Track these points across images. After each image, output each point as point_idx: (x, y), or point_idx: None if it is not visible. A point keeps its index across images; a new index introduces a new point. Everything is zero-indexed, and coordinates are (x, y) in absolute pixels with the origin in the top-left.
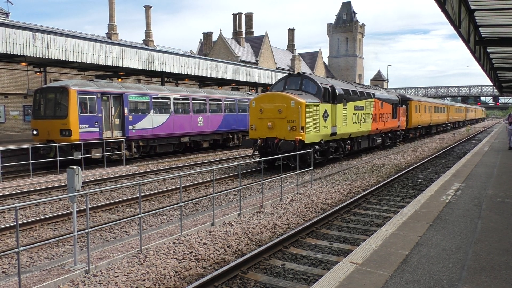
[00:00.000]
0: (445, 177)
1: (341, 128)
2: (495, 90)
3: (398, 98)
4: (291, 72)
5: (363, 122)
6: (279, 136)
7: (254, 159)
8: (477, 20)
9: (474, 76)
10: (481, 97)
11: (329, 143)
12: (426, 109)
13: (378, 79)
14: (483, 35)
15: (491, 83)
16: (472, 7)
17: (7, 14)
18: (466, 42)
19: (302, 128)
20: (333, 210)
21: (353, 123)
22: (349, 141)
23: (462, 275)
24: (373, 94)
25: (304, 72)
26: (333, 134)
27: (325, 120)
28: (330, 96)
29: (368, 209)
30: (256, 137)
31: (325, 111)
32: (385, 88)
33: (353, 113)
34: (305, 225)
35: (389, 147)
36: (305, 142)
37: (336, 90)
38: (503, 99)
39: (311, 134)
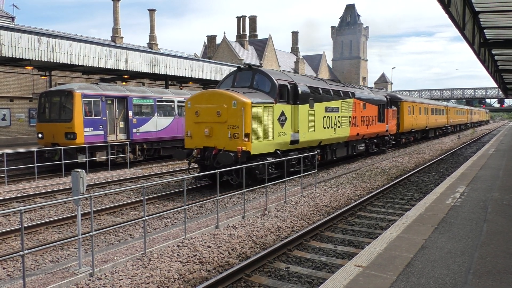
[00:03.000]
0: (450, 180)
1: (306, 134)
2: (500, 92)
3: (386, 99)
4: (241, 66)
5: (339, 127)
6: (218, 146)
7: (190, 174)
8: (481, 22)
9: (479, 78)
10: (486, 99)
11: (288, 153)
12: (421, 111)
13: (382, 82)
14: (487, 37)
15: (496, 85)
16: (477, 9)
17: (12, 18)
18: (471, 44)
19: (247, 136)
20: (337, 213)
21: (324, 128)
22: (319, 150)
23: (467, 279)
24: (352, 93)
25: (258, 66)
26: (295, 142)
27: (282, 125)
28: (289, 95)
29: (372, 212)
30: (192, 147)
31: (282, 114)
32: (371, 88)
33: (325, 116)
34: (309, 228)
35: (375, 154)
36: (252, 153)
37: (299, 88)
38: (508, 101)
39: (260, 143)
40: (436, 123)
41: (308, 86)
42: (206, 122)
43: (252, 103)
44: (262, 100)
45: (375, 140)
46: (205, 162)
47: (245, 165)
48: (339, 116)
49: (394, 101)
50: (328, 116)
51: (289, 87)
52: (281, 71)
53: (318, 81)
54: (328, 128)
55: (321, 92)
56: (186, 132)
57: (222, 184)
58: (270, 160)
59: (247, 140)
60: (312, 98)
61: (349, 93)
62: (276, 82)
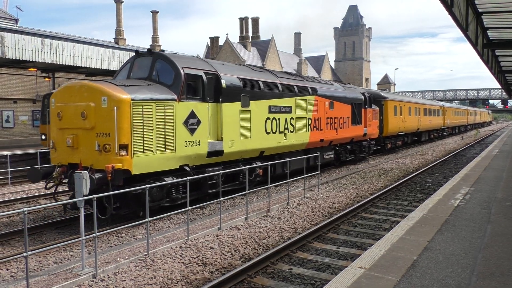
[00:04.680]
0: (454, 181)
1: (237, 142)
2: (504, 93)
3: (363, 97)
4: (139, 51)
5: (292, 131)
6: (84, 162)
7: (56, 200)
8: (484, 23)
9: (483, 79)
10: (490, 100)
11: (205, 169)
12: (411, 111)
13: (385, 83)
14: (491, 38)
15: (499, 86)
16: (480, 10)
17: (16, 21)
18: (474, 45)
19: (124, 147)
20: (340, 214)
21: (268, 133)
22: (260, 162)
23: (471, 281)
24: (313, 89)
25: (162, 50)
26: (215, 153)
27: (191, 131)
28: (205, 90)
29: (375, 213)
30: (56, 163)
31: (192, 115)
32: (344, 84)
33: (268, 118)
34: (312, 229)
35: (351, 163)
36: (134, 172)
37: (223, 80)
38: None
39: (150, 158)
40: (430, 125)
41: (240, 79)
42: (69, 128)
43: (132, 100)
44: (153, 96)
45: (348, 147)
46: (71, 185)
47: (116, 192)
48: (292, 118)
49: (377, 100)
50: (273, 118)
51: (204, 79)
52: (199, 58)
53: (259, 73)
54: (274, 133)
55: (261, 86)
56: (48, 142)
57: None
58: (169, 180)
59: (124, 153)
60: (247, 94)
61: (308, 88)
62: (181, 71)
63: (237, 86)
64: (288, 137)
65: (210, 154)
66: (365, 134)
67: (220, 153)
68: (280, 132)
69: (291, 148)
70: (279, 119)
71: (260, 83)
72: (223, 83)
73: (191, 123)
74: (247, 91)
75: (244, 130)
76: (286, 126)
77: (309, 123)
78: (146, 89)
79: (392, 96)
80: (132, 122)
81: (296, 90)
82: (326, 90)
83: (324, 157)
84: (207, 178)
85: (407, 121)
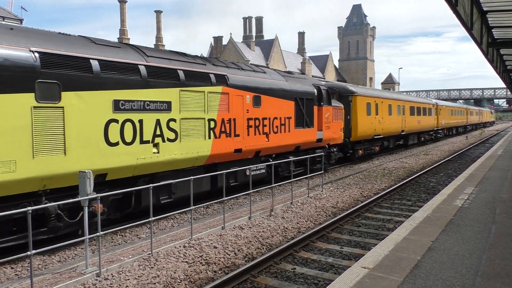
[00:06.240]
0: (458, 181)
1: (29, 165)
2: (509, 93)
3: (316, 90)
4: None
5: (174, 140)
6: None
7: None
8: (489, 22)
9: (488, 78)
10: (495, 100)
11: None
12: (392, 110)
13: (389, 82)
14: (496, 37)
15: (504, 85)
16: (485, 9)
17: (21, 21)
18: (479, 44)
19: None
20: (344, 214)
21: (115, 144)
22: (107, 189)
23: (475, 281)
24: (220, 76)
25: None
26: None
27: None
28: None
29: (379, 213)
30: None
31: None
32: (287, 72)
33: (113, 120)
34: (315, 229)
35: (287, 178)
36: None
37: None
38: None
39: None
40: (419, 126)
41: (38, 53)
42: None
43: None
44: None
45: (291, 157)
46: None
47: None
48: (172, 120)
49: (343, 95)
50: (127, 121)
51: None
52: None
53: (100, 48)
54: (129, 144)
55: (96, 68)
56: None
57: None
58: None
59: None
60: (55, 80)
61: (210, 75)
62: None
63: (25, 65)
64: (164, 149)
65: None
66: (319, 140)
67: None
68: (145, 142)
69: (172, 166)
70: (141, 121)
71: (94, 63)
72: None
73: None
74: (56, 75)
75: (48, 141)
76: (159, 133)
77: (212, 126)
78: None
79: (363, 90)
80: None
81: (182, 77)
82: (246, 79)
83: (246, 175)
84: None
85: (386, 122)
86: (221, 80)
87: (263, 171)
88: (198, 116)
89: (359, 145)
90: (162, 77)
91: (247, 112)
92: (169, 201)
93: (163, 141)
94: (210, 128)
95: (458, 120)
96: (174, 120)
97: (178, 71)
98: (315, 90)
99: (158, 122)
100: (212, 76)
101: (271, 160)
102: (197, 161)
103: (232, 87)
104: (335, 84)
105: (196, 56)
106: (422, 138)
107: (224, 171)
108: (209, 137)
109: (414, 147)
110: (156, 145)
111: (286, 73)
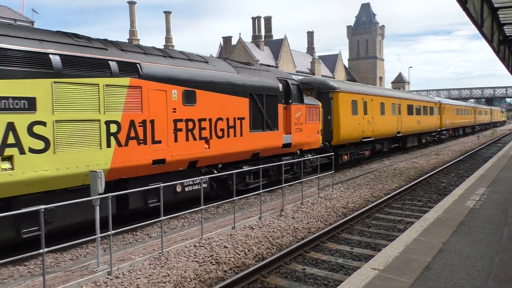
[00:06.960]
0: (469, 182)
1: None
2: None
3: (279, 85)
4: None
5: (41, 152)
6: None
7: None
8: (500, 19)
9: (499, 77)
10: (507, 99)
11: None
12: (386, 109)
13: (399, 81)
14: (507, 34)
15: None
16: (495, 5)
17: (32, 23)
18: (490, 42)
19: None
20: (354, 214)
21: None
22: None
23: (487, 284)
24: (127, 64)
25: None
26: None
27: None
28: None
29: (390, 214)
30: None
31: None
32: (246, 63)
33: None
34: (326, 229)
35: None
36: None
37: None
38: None
39: None
40: (418, 127)
41: None
42: None
43: None
44: None
45: (245, 167)
46: None
47: (131, 190)
48: (38, 123)
49: (323, 92)
50: None
51: None
52: None
53: None
54: None
55: None
56: None
57: None
58: None
59: None
60: None
61: (110, 62)
62: None
63: None
64: (23, 164)
65: None
66: (287, 145)
67: None
68: None
69: (43, 187)
70: None
71: None
72: None
73: None
74: None
75: None
76: (12, 141)
77: (114, 131)
78: None
79: (347, 86)
80: None
81: (57, 64)
82: (171, 70)
83: (176, 191)
84: None
85: (378, 122)
86: (129, 69)
87: (205, 185)
88: (88, 118)
89: (343, 149)
90: (17, 63)
91: (174, 111)
92: (36, 234)
93: (21, 152)
94: (109, 133)
95: (465, 119)
96: (43, 123)
97: (51, 55)
98: (280, 85)
99: (10, 127)
100: (113, 64)
101: (215, 172)
102: (88, 177)
103: (148, 79)
104: (312, 78)
105: (92, 38)
106: (424, 140)
107: (127, 191)
108: (109, 145)
109: (429, 147)
110: (8, 159)
111: (241, 64)
